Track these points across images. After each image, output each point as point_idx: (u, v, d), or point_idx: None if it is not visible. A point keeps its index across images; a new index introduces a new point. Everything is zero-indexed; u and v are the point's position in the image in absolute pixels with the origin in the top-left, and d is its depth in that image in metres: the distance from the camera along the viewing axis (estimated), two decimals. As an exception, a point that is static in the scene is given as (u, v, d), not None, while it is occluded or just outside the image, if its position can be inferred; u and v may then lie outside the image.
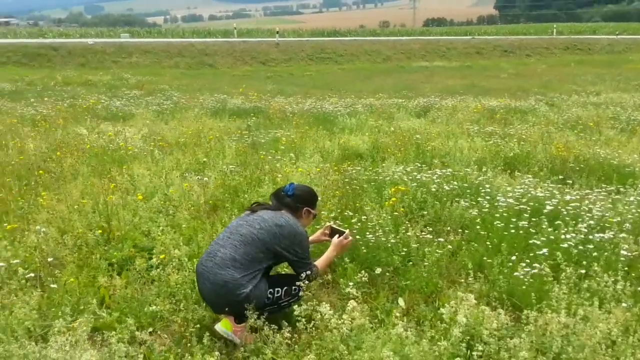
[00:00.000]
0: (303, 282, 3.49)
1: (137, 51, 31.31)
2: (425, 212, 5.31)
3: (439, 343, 3.00)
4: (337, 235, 4.01)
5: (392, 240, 4.45)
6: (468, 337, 3.21)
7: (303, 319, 3.20)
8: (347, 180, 5.99)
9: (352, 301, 3.10)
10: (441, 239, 4.65)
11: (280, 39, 39.33)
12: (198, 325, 3.59)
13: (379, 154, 8.02)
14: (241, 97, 14.53)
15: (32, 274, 3.85)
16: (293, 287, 3.61)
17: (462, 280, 4.08)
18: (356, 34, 52.05)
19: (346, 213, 5.05)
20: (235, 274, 3.39)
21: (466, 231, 4.92)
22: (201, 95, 15.44)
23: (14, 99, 13.59)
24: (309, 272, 3.63)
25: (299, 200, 3.81)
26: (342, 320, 3.11)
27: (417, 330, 3.46)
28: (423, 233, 4.71)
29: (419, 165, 6.76)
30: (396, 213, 5.02)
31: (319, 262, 3.89)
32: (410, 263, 4.32)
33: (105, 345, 3.28)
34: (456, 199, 5.44)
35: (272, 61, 33.09)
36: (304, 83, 23.31)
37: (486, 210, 5.09)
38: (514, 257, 4.10)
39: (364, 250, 4.39)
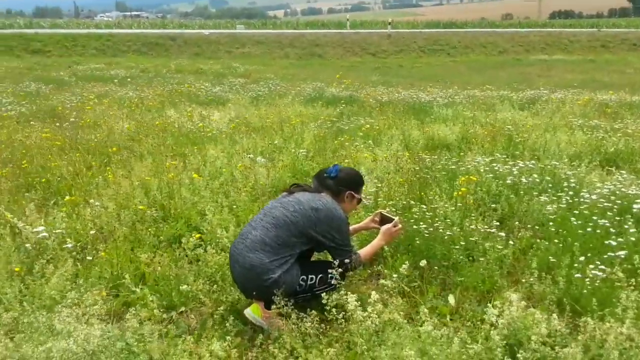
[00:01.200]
0: (338, 271, 3.22)
1: (249, 42, 32.18)
2: (498, 206, 4.85)
3: (469, 346, 2.66)
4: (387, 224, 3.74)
5: (449, 233, 4.08)
6: (512, 342, 2.86)
7: (333, 309, 2.96)
8: (419, 168, 5.64)
9: (373, 293, 2.81)
10: (507, 235, 4.21)
11: (392, 30, 38.80)
12: (228, 308, 3.47)
13: (467, 144, 7.55)
14: (340, 86, 14.37)
15: (74, 245, 3.89)
16: (330, 276, 3.37)
17: (524, 280, 3.67)
18: (473, 26, 50.28)
19: (408, 202, 4.73)
20: (264, 258, 3.21)
21: (537, 228, 4.44)
22: (303, 83, 15.47)
23: (122, 84, 14.31)
24: (347, 260, 3.40)
25: (341, 182, 3.56)
26: (367, 314, 2.84)
27: (455, 330, 3.10)
28: (488, 228, 4.28)
29: (505, 157, 6.25)
30: (460, 204, 4.62)
31: (363, 251, 3.63)
32: (470, 259, 3.95)
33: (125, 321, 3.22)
34: (535, 194, 4.94)
35: (382, 53, 32.77)
36: (411, 75, 22.83)
37: (566, 207, 4.57)
38: (582, 258, 3.61)
39: (418, 242, 4.06)
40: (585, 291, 3.28)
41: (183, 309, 3.54)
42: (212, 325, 3.30)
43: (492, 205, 4.90)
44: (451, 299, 3.58)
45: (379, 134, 7.80)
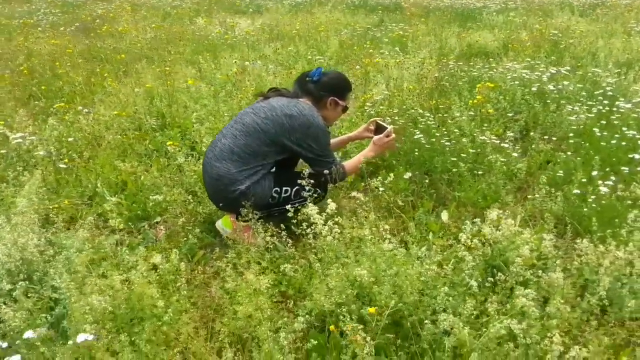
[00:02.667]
0: (308, 182, 2.89)
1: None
2: (520, 116, 4.37)
3: (427, 265, 2.35)
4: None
5: (448, 144, 3.69)
6: (496, 264, 2.55)
7: (304, 224, 2.67)
8: (440, 76, 5.16)
9: (330, 202, 2.50)
10: (525, 147, 3.79)
11: None
12: (203, 220, 3.27)
13: (507, 52, 6.92)
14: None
15: (50, 152, 3.74)
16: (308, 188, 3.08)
17: (530, 196, 3.29)
18: None
19: (416, 111, 4.31)
20: (231, 168, 2.93)
21: (562, 140, 3.98)
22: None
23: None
24: (326, 172, 3.09)
25: (324, 87, 3.18)
26: (328, 229, 2.55)
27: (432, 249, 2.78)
28: (500, 139, 3.85)
29: (540, 63, 5.65)
30: (474, 114, 4.17)
31: (350, 162, 3.31)
32: (475, 173, 3.57)
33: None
34: (563, 102, 4.42)
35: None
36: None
37: (595, 117, 4.06)
38: (595, 173, 3.18)
39: (416, 153, 3.69)
40: (586, 209, 2.86)
41: (159, 219, 3.36)
42: (178, 236, 3.12)
43: (514, 116, 4.42)
44: (444, 215, 3.26)
45: (411, 42, 7.23)
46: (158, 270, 2.46)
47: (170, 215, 3.35)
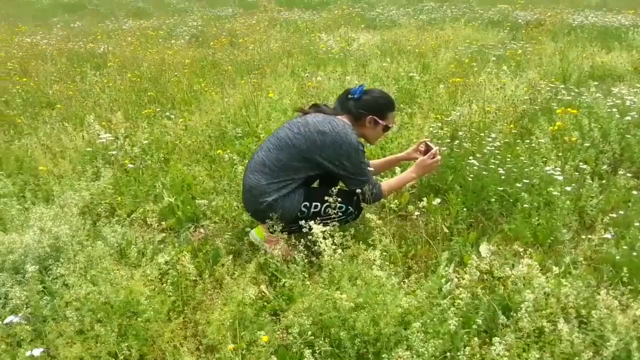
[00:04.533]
0: (336, 200, 2.88)
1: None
2: (609, 147, 3.98)
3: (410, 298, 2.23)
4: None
5: (502, 171, 3.46)
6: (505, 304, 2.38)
7: (324, 241, 2.68)
8: (535, 98, 4.85)
9: (315, 227, 2.47)
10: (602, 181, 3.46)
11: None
12: (244, 228, 3.38)
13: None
14: (534, 10, 12.83)
15: (124, 151, 4.07)
16: (339, 205, 3.06)
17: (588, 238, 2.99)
18: None
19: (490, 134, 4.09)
20: (261, 180, 3.01)
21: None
22: (492, 7, 14.14)
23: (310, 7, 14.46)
24: (358, 190, 3.05)
25: (364, 105, 3.13)
26: (332, 251, 2.54)
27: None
28: (562, 171, 3.54)
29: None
30: (550, 143, 3.87)
31: (389, 182, 3.25)
32: (531, 205, 3.32)
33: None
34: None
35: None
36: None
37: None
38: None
39: (470, 178, 3.51)
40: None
41: (206, 222, 3.52)
42: (213, 240, 3.27)
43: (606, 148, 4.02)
44: (482, 248, 3.07)
45: (527, 61, 6.84)
46: (161, 269, 2.60)
47: (214, 221, 3.50)
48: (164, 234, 3.35)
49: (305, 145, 2.97)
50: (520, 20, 11.06)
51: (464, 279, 2.47)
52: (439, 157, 3.21)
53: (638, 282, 2.49)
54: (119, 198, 3.55)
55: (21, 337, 1.95)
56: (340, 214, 3.01)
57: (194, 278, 2.72)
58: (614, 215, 3.15)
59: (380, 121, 3.15)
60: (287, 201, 3.01)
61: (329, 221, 2.93)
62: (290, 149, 2.99)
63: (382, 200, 3.23)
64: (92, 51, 8.23)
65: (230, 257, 3.02)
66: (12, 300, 2.20)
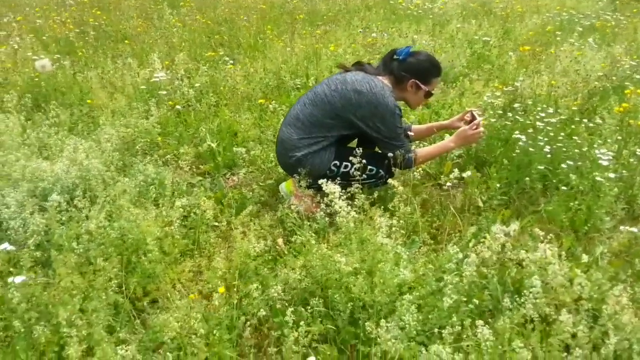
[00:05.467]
0: (360, 162, 2.83)
1: None
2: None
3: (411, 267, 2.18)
4: None
5: (547, 148, 3.27)
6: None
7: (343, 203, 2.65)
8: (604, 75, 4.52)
9: (330, 186, 2.42)
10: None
11: None
12: (276, 178, 3.41)
13: None
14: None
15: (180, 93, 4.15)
16: (369, 168, 3.03)
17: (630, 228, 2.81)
18: None
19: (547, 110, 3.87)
20: (292, 134, 2.99)
21: None
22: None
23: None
24: (390, 154, 2.98)
25: (407, 68, 3.01)
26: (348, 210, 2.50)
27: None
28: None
29: None
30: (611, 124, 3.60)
31: (426, 149, 3.16)
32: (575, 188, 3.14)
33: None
34: None
35: None
36: None
37: None
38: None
39: (517, 152, 3.35)
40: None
41: (243, 172, 3.56)
42: (244, 189, 3.31)
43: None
44: (512, 228, 2.94)
45: (615, 34, 6.36)
46: (183, 211, 2.67)
47: (250, 170, 3.54)
48: (200, 178, 3.43)
49: (340, 103, 2.92)
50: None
51: (478, 255, 2.38)
52: (482, 128, 3.07)
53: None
54: (159, 138, 3.64)
55: (21, 264, 2.06)
56: (365, 176, 2.95)
57: (214, 223, 2.77)
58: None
59: (422, 86, 3.04)
60: (317, 158, 2.99)
61: (360, 181, 2.90)
62: (325, 106, 2.95)
63: (416, 167, 3.15)
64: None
65: (254, 207, 3.07)
66: (31, 227, 2.33)
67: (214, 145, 3.69)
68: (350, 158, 2.83)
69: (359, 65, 3.16)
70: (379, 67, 3.12)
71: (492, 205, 3.13)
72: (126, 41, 5.51)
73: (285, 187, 3.23)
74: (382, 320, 1.91)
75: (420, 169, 3.50)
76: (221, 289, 2.14)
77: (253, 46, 5.71)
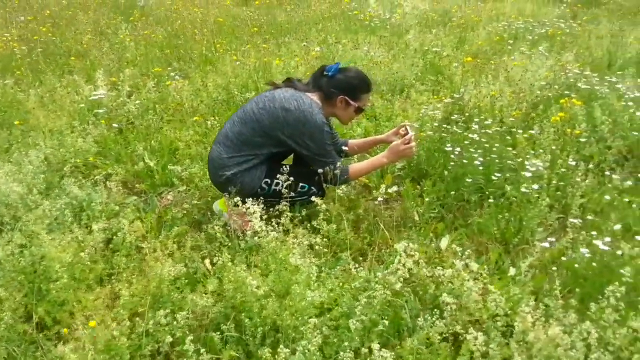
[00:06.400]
0: (285, 179, 2.83)
1: None
2: (615, 144, 3.71)
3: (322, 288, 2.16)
4: None
5: (479, 160, 3.27)
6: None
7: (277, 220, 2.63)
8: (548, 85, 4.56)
9: (251, 206, 2.40)
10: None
11: None
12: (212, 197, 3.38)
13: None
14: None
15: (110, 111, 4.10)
16: (300, 185, 3.01)
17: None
18: None
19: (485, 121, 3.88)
20: (222, 152, 2.97)
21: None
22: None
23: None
24: (320, 170, 2.96)
25: (336, 85, 3.00)
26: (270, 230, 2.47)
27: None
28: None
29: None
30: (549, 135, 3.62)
31: (357, 165, 3.13)
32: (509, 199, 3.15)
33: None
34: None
35: None
36: None
37: None
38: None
39: (451, 165, 3.35)
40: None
41: (179, 190, 3.52)
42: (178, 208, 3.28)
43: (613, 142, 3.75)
44: (443, 242, 2.94)
45: (568, 43, 6.41)
46: (106, 234, 2.64)
47: (188, 188, 3.50)
48: (135, 197, 3.39)
49: (268, 121, 2.91)
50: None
51: (394, 273, 2.36)
52: (413, 143, 3.05)
53: (581, 295, 2.33)
54: (92, 158, 3.59)
55: None
56: (294, 194, 2.93)
57: (140, 245, 2.73)
58: (593, 218, 2.96)
59: (351, 102, 3.03)
60: (247, 176, 2.97)
61: (291, 199, 2.89)
62: (254, 124, 2.93)
63: (347, 183, 3.13)
64: (133, 3, 8.32)
65: (185, 227, 3.04)
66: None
67: (151, 163, 3.65)
68: (278, 176, 2.84)
69: (288, 82, 3.14)
70: (309, 83, 3.11)
71: (427, 219, 3.12)
72: (72, 58, 5.43)
73: (219, 204, 3.20)
74: (281, 346, 1.87)
75: (358, 183, 3.50)
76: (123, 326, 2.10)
77: (205, 60, 5.68)
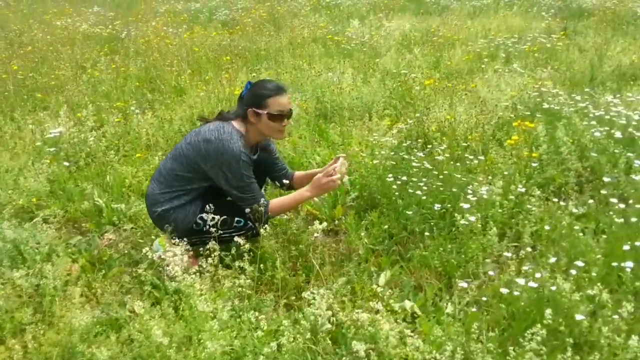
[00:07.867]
0: (212, 217, 2.75)
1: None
2: (574, 166, 3.60)
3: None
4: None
5: (423, 189, 3.18)
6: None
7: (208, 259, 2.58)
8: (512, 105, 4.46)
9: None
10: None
11: None
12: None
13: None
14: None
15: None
16: (236, 219, 2.94)
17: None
18: None
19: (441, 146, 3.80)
20: (155, 189, 2.94)
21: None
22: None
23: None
24: (247, 210, 2.87)
25: (246, 102, 2.91)
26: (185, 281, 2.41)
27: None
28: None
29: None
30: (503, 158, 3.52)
31: (278, 201, 3.03)
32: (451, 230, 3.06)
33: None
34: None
35: None
36: None
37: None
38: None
39: (395, 195, 3.26)
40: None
41: (123, 229, 3.47)
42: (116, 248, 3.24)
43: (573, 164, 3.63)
44: (382, 278, 2.85)
45: (545, 59, 6.30)
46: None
47: (132, 227, 3.45)
48: (79, 237, 3.35)
49: (192, 155, 2.88)
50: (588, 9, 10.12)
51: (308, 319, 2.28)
52: (337, 176, 2.94)
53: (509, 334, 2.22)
54: (34, 199, 3.56)
55: None
56: (221, 231, 2.81)
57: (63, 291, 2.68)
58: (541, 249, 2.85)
59: (259, 111, 2.87)
60: (180, 212, 2.92)
61: (227, 235, 2.83)
62: (182, 159, 2.91)
63: (268, 219, 3.02)
64: (115, 36, 8.37)
65: (122, 267, 2.99)
66: None
67: (101, 201, 3.61)
68: (203, 214, 2.77)
69: (219, 115, 3.08)
70: (236, 111, 3.03)
71: (370, 252, 3.04)
72: (38, 95, 5.44)
73: (159, 242, 3.13)
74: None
75: (305, 214, 3.42)
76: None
77: (177, 91, 5.67)
